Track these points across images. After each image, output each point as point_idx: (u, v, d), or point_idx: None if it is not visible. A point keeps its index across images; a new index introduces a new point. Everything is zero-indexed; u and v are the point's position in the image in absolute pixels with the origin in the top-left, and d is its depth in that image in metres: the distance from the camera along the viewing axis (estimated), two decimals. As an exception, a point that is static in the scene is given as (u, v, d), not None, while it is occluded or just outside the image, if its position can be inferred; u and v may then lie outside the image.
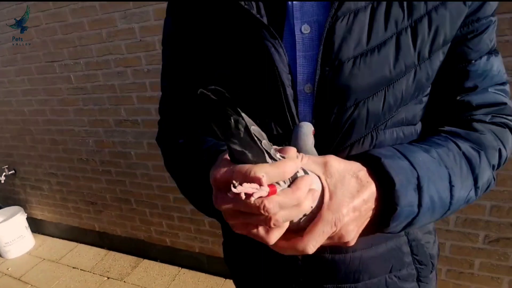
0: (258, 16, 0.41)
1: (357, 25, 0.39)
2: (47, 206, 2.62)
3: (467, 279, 1.41)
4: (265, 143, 0.29)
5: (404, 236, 0.51)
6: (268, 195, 0.29)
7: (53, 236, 2.71)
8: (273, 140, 0.44)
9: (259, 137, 0.28)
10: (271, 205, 0.29)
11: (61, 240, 2.65)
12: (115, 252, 2.40)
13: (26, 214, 2.57)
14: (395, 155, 0.39)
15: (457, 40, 0.42)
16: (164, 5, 1.56)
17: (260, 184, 0.28)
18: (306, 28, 0.41)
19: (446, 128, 0.45)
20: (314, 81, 0.41)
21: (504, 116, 0.46)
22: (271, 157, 0.30)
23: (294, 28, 0.41)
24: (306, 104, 0.43)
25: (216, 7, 0.45)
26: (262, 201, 0.29)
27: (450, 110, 0.46)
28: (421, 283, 0.54)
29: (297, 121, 0.43)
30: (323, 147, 0.43)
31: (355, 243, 0.38)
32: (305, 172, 0.34)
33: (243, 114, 0.27)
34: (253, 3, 0.42)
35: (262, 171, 0.28)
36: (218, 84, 0.46)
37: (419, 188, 0.38)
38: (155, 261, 2.24)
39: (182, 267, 2.13)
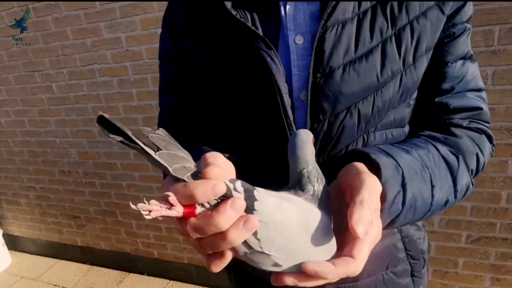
0: (253, 28, 0.43)
1: (345, 35, 0.42)
2: (24, 222, 2.50)
3: (452, 278, 1.47)
4: (176, 168, 0.27)
5: (398, 233, 0.53)
6: (183, 216, 0.28)
7: (31, 253, 2.58)
8: (272, 149, 0.45)
9: (168, 163, 0.26)
10: (187, 228, 0.28)
11: (40, 257, 2.52)
12: (99, 267, 2.31)
13: (1, 230, 2.44)
14: (381, 152, 0.40)
15: (436, 44, 0.45)
16: (151, 15, 1.56)
17: (169, 203, 0.27)
18: (299, 39, 0.43)
19: (426, 132, 0.47)
20: (308, 88, 0.43)
21: (480, 122, 0.48)
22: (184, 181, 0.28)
23: (288, 39, 0.44)
24: (302, 111, 0.45)
25: (213, 21, 0.47)
26: (181, 223, 0.28)
27: (430, 113, 0.48)
28: (415, 278, 0.56)
29: (294, 127, 0.44)
30: (318, 152, 0.44)
31: None
32: (248, 194, 0.29)
33: (153, 135, 0.26)
34: (248, 15, 0.44)
35: (172, 190, 0.27)
36: (219, 97, 0.47)
37: (403, 185, 0.38)
38: (142, 274, 2.17)
39: (170, 280, 2.08)
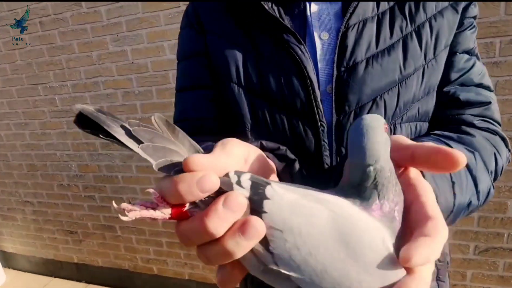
0: (285, 23, 0.45)
1: (367, 32, 0.45)
2: (19, 238, 2.43)
3: (461, 291, 1.45)
4: (160, 162, 0.23)
5: None
6: (173, 218, 0.23)
7: (25, 271, 2.49)
8: (303, 143, 0.45)
9: (152, 157, 0.23)
10: (178, 233, 0.24)
11: (34, 275, 2.44)
12: (95, 285, 2.23)
13: (-5, 247, 2.37)
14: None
15: None
16: (157, 29, 1.58)
17: (157, 202, 0.23)
18: (325, 35, 0.46)
19: (437, 131, 0.47)
20: (332, 81, 0.44)
21: (492, 121, 0.48)
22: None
23: (313, 35, 0.46)
24: (328, 104, 0.46)
25: (243, 15, 0.49)
26: (177, 227, 0.24)
27: (440, 105, 0.48)
28: (439, 282, 0.55)
29: (324, 119, 0.45)
30: (345, 146, 0.45)
31: None
32: (257, 190, 0.23)
33: (137, 129, 0.23)
34: (277, 12, 0.46)
35: (157, 187, 0.24)
36: (247, 91, 0.47)
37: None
38: (141, 292, 2.11)
39: (170, 297, 2.02)
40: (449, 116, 0.48)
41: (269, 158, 0.33)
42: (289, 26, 0.45)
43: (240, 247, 0.22)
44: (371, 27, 0.45)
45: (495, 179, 0.45)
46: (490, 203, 1.30)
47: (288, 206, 0.23)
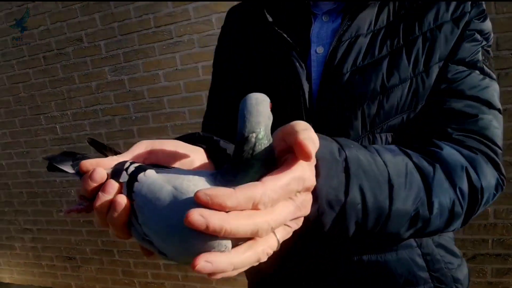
0: (291, 41, 0.51)
1: (356, 47, 0.48)
2: (17, 267, 2.43)
3: (454, 299, 1.46)
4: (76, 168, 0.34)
5: (416, 248, 0.50)
6: (90, 208, 0.34)
7: (22, 301, 2.47)
8: None
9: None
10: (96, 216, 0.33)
11: (31, 305, 2.42)
12: (93, 313, 2.22)
13: (-7, 277, 2.37)
14: (321, 137, 0.33)
15: None
16: (152, 59, 1.69)
17: (82, 201, 0.34)
18: (320, 49, 0.51)
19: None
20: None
21: (479, 138, 0.44)
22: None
23: (311, 49, 0.51)
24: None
25: (256, 32, 0.57)
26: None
27: (424, 114, 0.47)
28: None
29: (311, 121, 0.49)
30: None
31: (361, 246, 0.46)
32: (133, 176, 0.30)
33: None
34: (284, 32, 0.53)
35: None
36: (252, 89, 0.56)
37: (346, 171, 0.33)
38: (139, 317, 2.09)
39: (168, 321, 2.01)
40: (427, 126, 0.47)
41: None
42: (293, 43, 0.51)
43: (113, 218, 0.30)
44: (362, 43, 0.48)
45: (474, 200, 0.41)
46: (472, 210, 1.35)
47: (147, 187, 0.28)
